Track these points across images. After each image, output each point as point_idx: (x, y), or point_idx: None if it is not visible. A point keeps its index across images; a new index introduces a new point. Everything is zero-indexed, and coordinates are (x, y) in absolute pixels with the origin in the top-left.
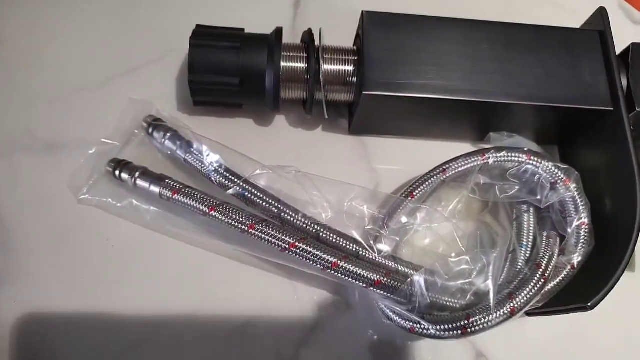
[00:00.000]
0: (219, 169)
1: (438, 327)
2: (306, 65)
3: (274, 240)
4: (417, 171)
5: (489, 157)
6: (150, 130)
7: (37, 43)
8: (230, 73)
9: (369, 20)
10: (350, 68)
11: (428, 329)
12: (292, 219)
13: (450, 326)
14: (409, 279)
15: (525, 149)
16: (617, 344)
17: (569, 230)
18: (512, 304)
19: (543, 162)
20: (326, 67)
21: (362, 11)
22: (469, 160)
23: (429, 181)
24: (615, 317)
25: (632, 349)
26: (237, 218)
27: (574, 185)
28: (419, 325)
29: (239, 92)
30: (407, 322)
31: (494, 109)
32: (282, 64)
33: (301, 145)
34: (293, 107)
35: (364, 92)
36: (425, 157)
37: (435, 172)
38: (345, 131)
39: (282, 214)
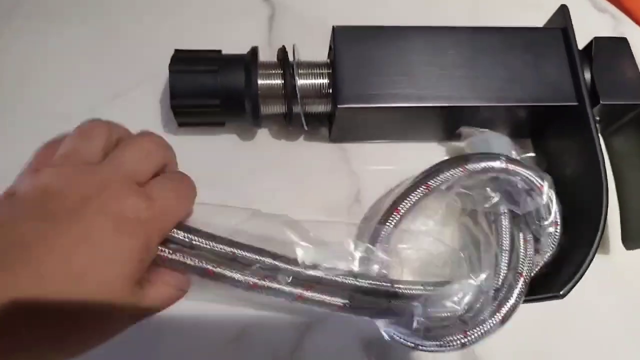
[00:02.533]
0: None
1: (438, 344)
2: (282, 82)
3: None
4: (396, 170)
5: (468, 169)
6: None
7: (22, 75)
8: (210, 95)
9: (339, 34)
10: (325, 81)
11: (429, 347)
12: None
13: (449, 343)
14: (409, 305)
15: (502, 158)
16: (591, 323)
17: (542, 232)
18: (502, 314)
19: (519, 169)
20: (301, 82)
21: (333, 26)
22: (450, 174)
23: (411, 195)
24: (591, 297)
25: (607, 329)
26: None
27: (547, 190)
28: (421, 344)
29: (220, 112)
30: (410, 342)
31: (464, 112)
32: (260, 81)
33: (284, 155)
34: (275, 120)
35: (338, 106)
36: (403, 157)
37: (417, 187)
38: (326, 139)
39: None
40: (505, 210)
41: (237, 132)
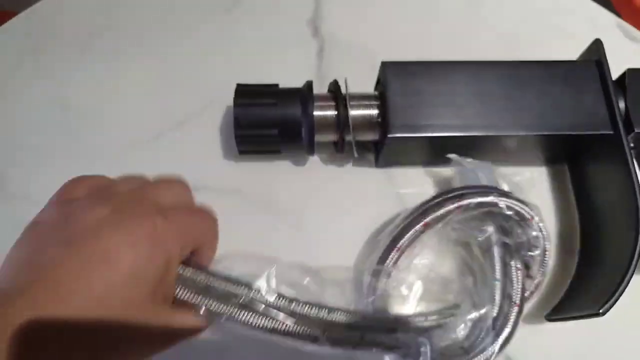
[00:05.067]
0: None
1: None
2: (335, 113)
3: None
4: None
5: (463, 205)
6: None
7: (97, 106)
8: (270, 126)
9: (388, 70)
10: (374, 112)
11: None
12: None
13: None
14: (416, 340)
15: (495, 192)
16: (631, 341)
17: (533, 261)
18: (499, 342)
19: (511, 202)
20: (353, 112)
21: (382, 62)
22: (446, 211)
23: (410, 234)
24: (630, 315)
25: None
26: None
27: (537, 219)
28: None
29: (278, 141)
30: None
31: (505, 140)
32: (315, 113)
33: (334, 180)
34: (325, 147)
35: (388, 136)
36: (445, 180)
37: (416, 225)
38: (373, 164)
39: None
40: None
41: (292, 159)
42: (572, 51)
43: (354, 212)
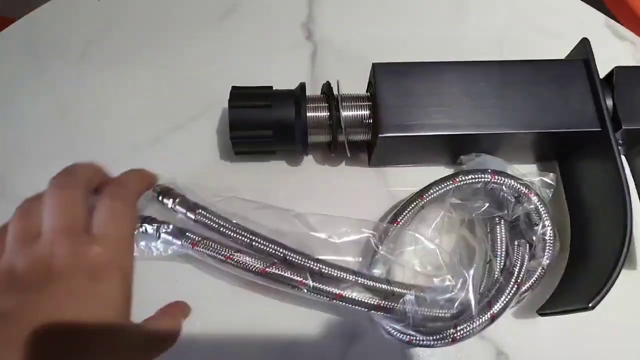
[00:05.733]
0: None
1: (431, 338)
2: (328, 114)
3: (284, 281)
4: None
5: (459, 181)
6: (160, 197)
7: (96, 112)
8: (264, 127)
9: (379, 71)
10: (366, 112)
11: (423, 340)
12: (297, 261)
13: (441, 336)
14: (402, 299)
15: (489, 170)
16: (621, 335)
17: (535, 237)
18: (491, 311)
19: (506, 179)
20: (345, 113)
21: (373, 63)
22: (442, 186)
23: (409, 207)
24: (620, 310)
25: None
26: (250, 265)
27: (535, 197)
28: (414, 338)
29: (272, 142)
30: (405, 336)
31: (494, 139)
32: (308, 114)
33: (328, 179)
34: (319, 148)
35: (379, 135)
36: (435, 177)
37: (414, 199)
38: (366, 164)
39: (287, 257)
40: (500, 221)
41: (286, 159)
42: (560, 50)
43: (347, 210)
